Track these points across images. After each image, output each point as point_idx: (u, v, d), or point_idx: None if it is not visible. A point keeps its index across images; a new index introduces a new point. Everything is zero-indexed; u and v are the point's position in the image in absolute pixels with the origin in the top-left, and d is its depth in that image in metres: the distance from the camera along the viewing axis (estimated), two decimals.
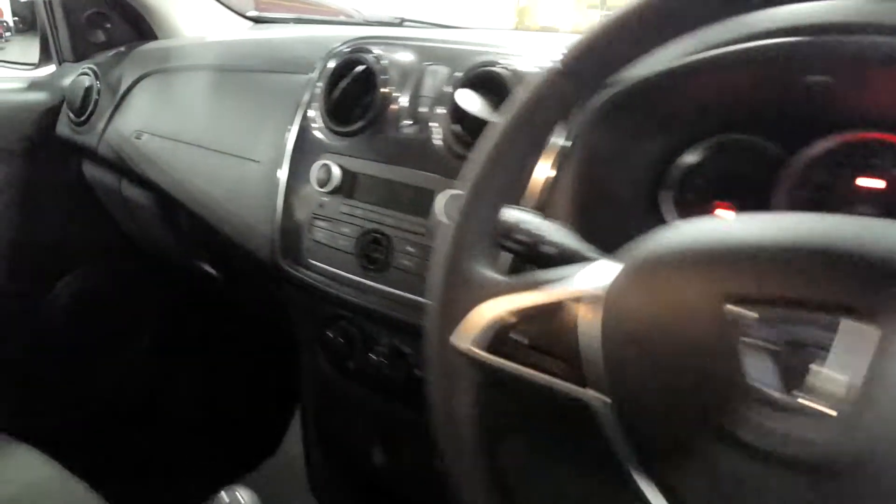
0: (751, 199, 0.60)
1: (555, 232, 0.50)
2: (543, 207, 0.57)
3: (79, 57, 1.25)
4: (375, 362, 0.80)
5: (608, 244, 0.45)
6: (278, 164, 0.81)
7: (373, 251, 0.73)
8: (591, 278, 0.40)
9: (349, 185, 0.75)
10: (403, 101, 0.74)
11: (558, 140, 0.59)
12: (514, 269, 0.56)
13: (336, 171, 0.75)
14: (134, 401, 1.37)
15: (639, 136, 0.63)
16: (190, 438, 1.37)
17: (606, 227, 0.56)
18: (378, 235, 0.73)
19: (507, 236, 0.45)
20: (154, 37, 1.26)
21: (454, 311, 0.42)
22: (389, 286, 0.72)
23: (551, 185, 0.58)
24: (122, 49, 1.20)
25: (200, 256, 1.12)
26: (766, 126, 0.59)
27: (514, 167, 0.44)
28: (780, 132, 0.59)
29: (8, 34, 1.89)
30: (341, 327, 0.83)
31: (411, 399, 0.80)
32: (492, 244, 0.45)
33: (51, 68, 1.29)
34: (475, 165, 0.44)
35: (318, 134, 0.79)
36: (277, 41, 0.94)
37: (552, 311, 0.40)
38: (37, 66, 1.33)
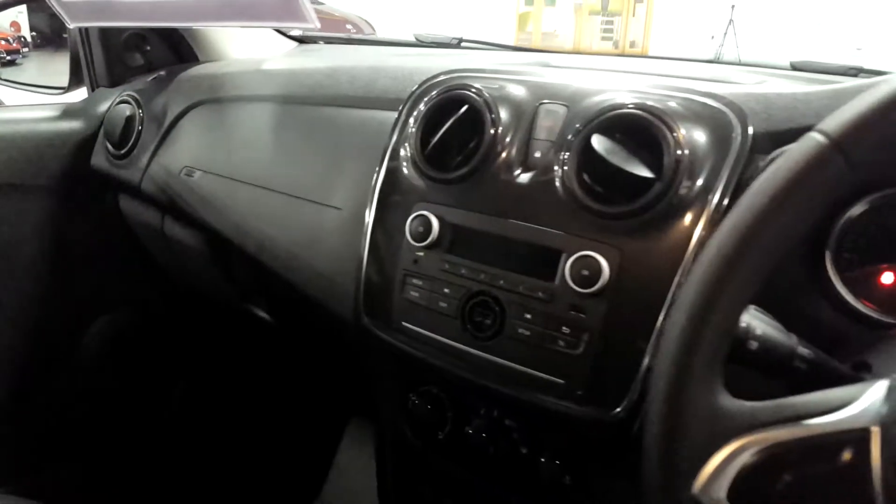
0: None
1: (761, 324, 0.41)
2: None
3: (114, 81, 1.15)
4: (473, 437, 0.70)
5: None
6: (363, 213, 0.72)
7: (481, 316, 0.64)
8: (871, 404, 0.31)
9: (450, 240, 0.66)
10: (515, 144, 0.65)
11: None
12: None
13: (434, 224, 0.66)
14: (165, 450, 1.27)
15: None
16: (219, 495, 1.28)
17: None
18: (487, 299, 0.63)
19: (741, 345, 0.36)
20: (195, 59, 1.17)
21: (692, 453, 0.33)
22: (501, 357, 0.63)
23: None
24: (163, 73, 1.10)
25: (254, 301, 1.03)
26: None
27: (764, 261, 0.35)
28: None
29: (25, 50, 1.79)
30: (429, 394, 0.74)
31: (515, 480, 0.71)
32: (725, 356, 0.35)
33: (82, 93, 1.20)
34: (712, 255, 0.35)
35: (410, 180, 0.70)
36: (352, 71, 0.85)
37: (832, 451, 0.31)
38: (65, 90, 1.24)
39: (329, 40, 1.27)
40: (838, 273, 0.55)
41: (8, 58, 1.62)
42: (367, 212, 0.71)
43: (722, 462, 0.32)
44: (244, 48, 1.18)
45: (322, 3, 8.01)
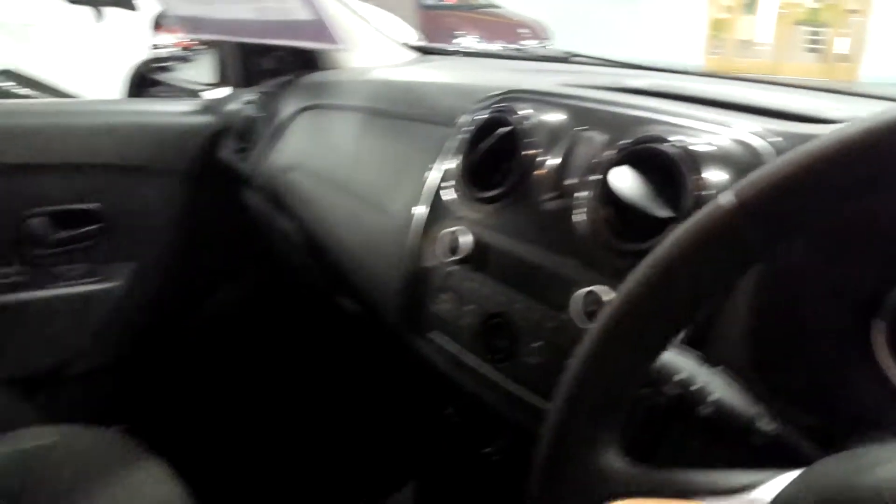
0: None
1: (719, 388, 0.38)
2: (704, 342, 0.45)
3: (249, 83, 1.28)
4: (491, 455, 0.71)
5: (797, 397, 0.33)
6: (409, 222, 0.75)
7: (496, 337, 0.64)
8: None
9: (480, 258, 0.67)
10: (549, 169, 0.64)
11: None
12: (654, 434, 0.44)
13: (466, 240, 0.67)
14: (258, 420, 1.39)
15: (851, 244, 0.48)
16: (300, 469, 1.37)
17: (793, 373, 0.42)
18: (502, 321, 0.64)
19: (653, 385, 0.34)
20: (320, 66, 1.27)
21: None
22: (511, 380, 0.63)
23: (721, 312, 0.45)
24: (289, 78, 1.21)
25: (340, 291, 1.11)
26: None
27: (672, 309, 0.33)
28: None
29: (203, 48, 2.03)
30: (461, 408, 0.75)
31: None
32: (624, 410, 0.34)
33: (224, 91, 1.34)
34: (606, 310, 0.34)
35: (452, 195, 0.72)
36: (427, 86, 0.88)
37: None
38: (213, 87, 1.39)
39: (446, 53, 1.31)
40: (890, 347, 0.49)
41: (184, 55, 1.85)
42: (412, 222, 0.74)
43: None
44: (364, 58, 1.25)
45: (498, 7, 8.15)
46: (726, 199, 0.31)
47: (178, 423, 1.31)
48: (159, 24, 1.54)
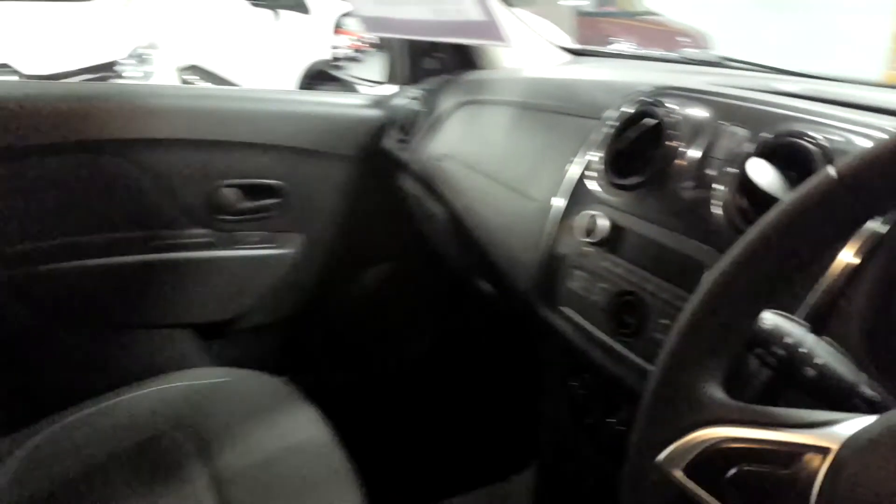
0: None
1: (826, 354, 0.42)
2: (822, 319, 0.48)
3: (414, 80, 1.40)
4: (611, 428, 0.76)
5: None
6: (550, 206, 0.81)
7: (626, 314, 0.69)
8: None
9: (615, 240, 0.73)
10: (690, 159, 0.68)
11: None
12: (764, 391, 0.48)
13: (604, 224, 0.73)
14: (403, 391, 1.51)
15: None
16: (434, 435, 1.47)
17: None
18: (633, 299, 0.69)
19: (763, 346, 0.39)
20: (479, 66, 1.36)
21: (668, 428, 0.38)
22: (637, 355, 0.68)
23: (838, 291, 0.48)
24: (449, 77, 1.32)
25: (479, 275, 1.19)
26: None
27: (780, 266, 0.38)
28: None
29: (373, 49, 2.21)
30: (586, 380, 0.81)
31: None
32: (730, 354, 0.39)
33: (391, 88, 1.48)
34: (729, 255, 0.39)
35: (594, 182, 0.77)
36: (579, 83, 0.95)
37: (789, 458, 0.33)
38: (381, 84, 1.53)
39: (599, 55, 1.36)
40: None
41: (355, 55, 2.02)
42: (553, 206, 0.81)
43: (688, 442, 0.36)
44: (521, 59, 1.33)
45: (657, 15, 7.94)
46: (830, 170, 0.35)
47: (331, 377, 1.46)
48: (339, 27, 1.71)
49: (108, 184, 1.22)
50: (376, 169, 1.38)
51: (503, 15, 0.78)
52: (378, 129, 1.38)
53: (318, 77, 3.91)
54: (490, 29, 0.76)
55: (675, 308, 0.64)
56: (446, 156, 1.14)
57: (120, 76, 3.64)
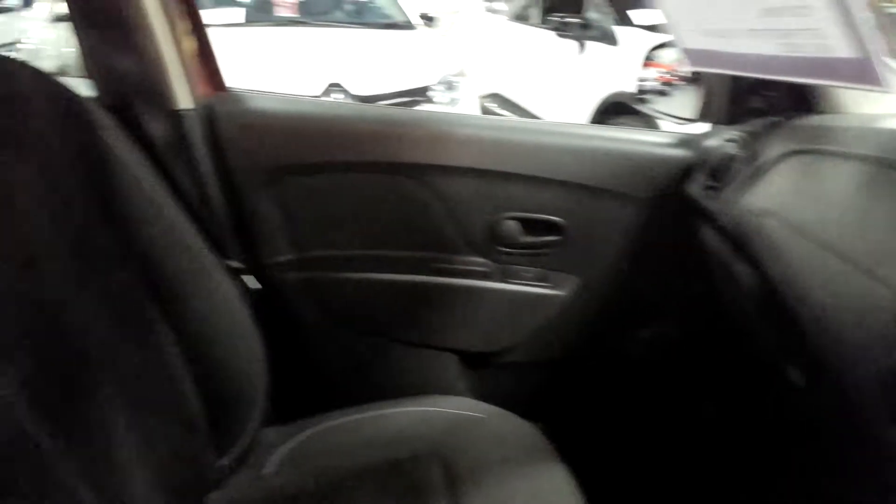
0: None
1: None
2: None
3: (732, 120, 1.23)
4: None
5: None
6: None
7: None
8: None
9: None
10: None
11: None
12: None
13: None
14: (663, 467, 1.34)
15: None
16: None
17: None
18: None
19: None
20: (817, 109, 1.14)
21: None
22: None
23: None
24: (777, 119, 1.12)
25: (792, 363, 0.98)
26: None
27: None
28: None
29: (681, 83, 2.04)
30: None
31: None
32: None
33: (703, 127, 1.31)
34: None
35: None
36: None
37: None
38: (690, 122, 1.38)
39: None
40: None
41: (662, 88, 1.89)
42: None
43: None
44: (875, 103, 1.08)
45: None
46: None
47: (587, 430, 1.34)
48: (649, 59, 1.60)
49: (400, 204, 1.27)
50: (673, 216, 1.23)
51: (883, 50, 0.60)
52: (682, 172, 1.23)
53: (614, 109, 3.83)
54: (864, 69, 0.59)
55: None
56: (768, 212, 0.95)
57: (430, 101, 3.94)
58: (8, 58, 0.88)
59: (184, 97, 1.14)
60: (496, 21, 5.88)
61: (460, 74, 4.15)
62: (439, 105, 3.94)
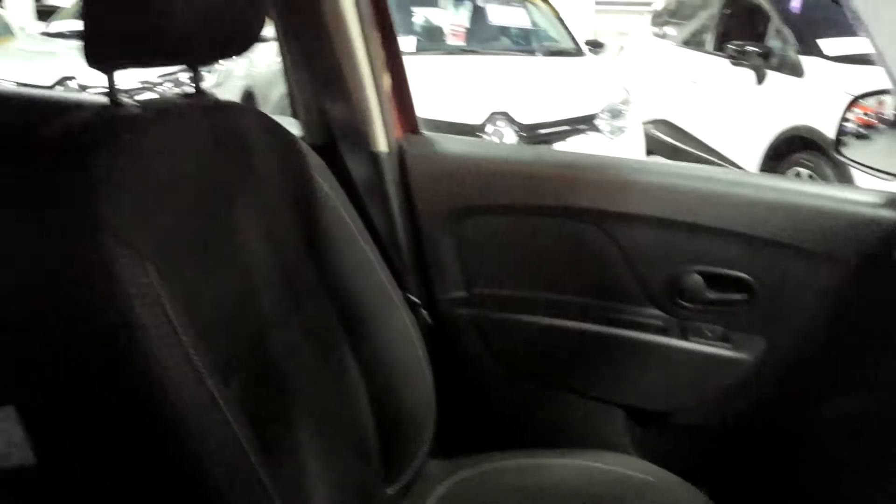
0: None
1: None
2: None
3: None
4: None
5: None
6: None
7: None
8: None
9: None
10: None
11: None
12: None
13: None
14: None
15: None
16: None
17: None
18: None
19: None
20: None
21: None
22: None
23: None
24: None
25: None
26: None
27: None
28: None
29: (882, 126, 1.84)
30: None
31: None
32: None
33: None
34: None
35: None
36: None
37: None
38: None
39: None
40: None
41: (860, 131, 1.70)
42: None
43: None
44: None
45: None
46: None
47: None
48: (856, 100, 1.45)
49: (576, 249, 1.26)
50: (880, 281, 1.12)
51: None
52: (891, 235, 1.11)
53: (793, 143, 3.56)
54: None
55: None
56: None
57: (596, 129, 3.88)
58: (234, 102, 0.99)
59: (381, 139, 1.21)
60: (664, 47, 5.70)
61: (626, 102, 4.05)
62: (604, 133, 3.87)
